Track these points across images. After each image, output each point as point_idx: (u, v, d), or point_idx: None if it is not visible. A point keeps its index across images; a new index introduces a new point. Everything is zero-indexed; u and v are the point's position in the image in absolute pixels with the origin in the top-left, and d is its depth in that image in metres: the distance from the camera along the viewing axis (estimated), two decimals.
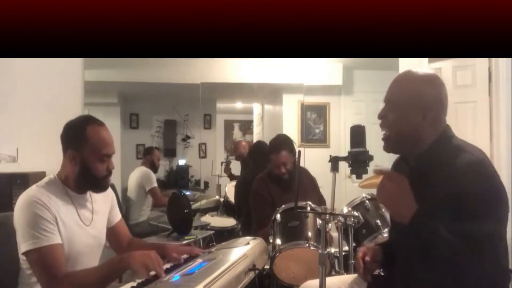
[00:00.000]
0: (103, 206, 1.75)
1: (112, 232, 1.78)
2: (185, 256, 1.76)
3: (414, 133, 1.40)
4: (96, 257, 1.70)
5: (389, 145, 1.45)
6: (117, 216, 1.84)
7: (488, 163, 1.31)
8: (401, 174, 1.38)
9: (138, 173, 4.56)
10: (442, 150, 1.37)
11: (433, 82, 1.43)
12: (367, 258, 1.54)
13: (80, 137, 1.57)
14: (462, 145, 1.37)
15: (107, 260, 1.64)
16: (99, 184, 1.63)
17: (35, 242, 1.43)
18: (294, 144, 3.04)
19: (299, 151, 1.71)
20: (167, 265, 1.61)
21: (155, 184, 4.51)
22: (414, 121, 1.39)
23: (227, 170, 5.42)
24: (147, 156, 4.83)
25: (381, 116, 1.45)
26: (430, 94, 1.40)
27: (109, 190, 1.75)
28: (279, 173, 2.91)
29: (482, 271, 1.22)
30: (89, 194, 1.69)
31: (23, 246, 1.45)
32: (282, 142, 2.98)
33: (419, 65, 3.16)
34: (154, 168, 4.74)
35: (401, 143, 1.43)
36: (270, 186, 2.96)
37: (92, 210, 1.68)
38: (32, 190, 1.53)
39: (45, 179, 1.60)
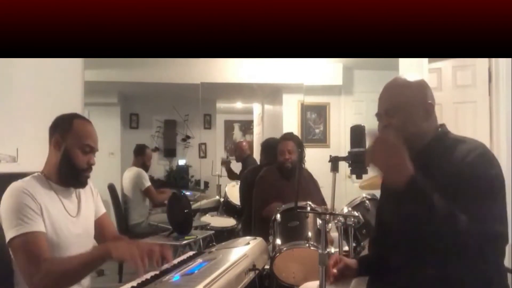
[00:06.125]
0: (88, 198, 1.76)
1: (95, 225, 1.78)
2: (184, 256, 1.76)
3: (419, 133, 1.43)
4: (86, 247, 1.68)
5: None
6: (101, 209, 1.83)
7: (487, 149, 1.36)
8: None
9: (130, 174, 4.50)
10: (442, 144, 1.42)
11: (426, 84, 1.49)
12: (334, 270, 1.58)
13: (66, 125, 1.62)
14: (460, 138, 1.43)
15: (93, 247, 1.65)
16: (78, 177, 1.64)
17: (18, 229, 1.44)
18: (303, 145, 3.29)
19: (301, 152, 1.73)
20: (166, 265, 1.61)
21: (149, 183, 4.46)
22: (419, 121, 1.43)
23: (227, 164, 5.41)
24: (138, 156, 4.67)
25: (384, 125, 1.44)
26: (429, 94, 1.47)
27: (89, 182, 1.75)
28: (283, 159, 3.05)
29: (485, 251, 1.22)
30: None
31: (7, 235, 1.46)
32: (291, 135, 3.25)
33: (419, 65, 3.16)
34: (146, 169, 4.64)
35: (408, 146, 1.43)
36: (278, 176, 3.08)
37: (77, 202, 1.69)
38: (18, 182, 1.55)
39: (30, 176, 1.63)
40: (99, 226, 1.79)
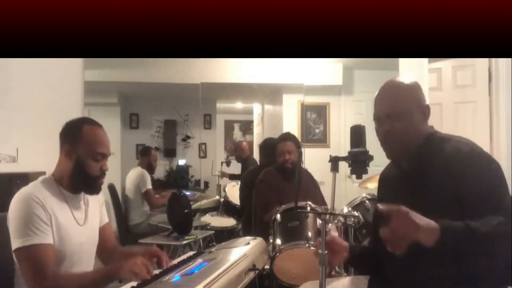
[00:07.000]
0: (95, 206, 1.75)
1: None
2: (184, 256, 1.76)
3: (417, 136, 1.44)
4: (91, 256, 1.69)
5: (396, 152, 1.45)
6: (104, 219, 1.82)
7: (477, 146, 1.37)
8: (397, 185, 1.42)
9: (134, 174, 4.52)
10: (431, 144, 1.43)
11: (420, 87, 1.50)
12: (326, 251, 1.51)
13: (76, 133, 1.59)
14: (447, 137, 1.44)
15: (97, 268, 1.64)
16: (92, 184, 1.62)
17: (26, 239, 1.43)
18: (300, 145, 3.28)
19: (301, 152, 1.73)
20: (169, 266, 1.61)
21: (149, 186, 4.47)
22: (419, 124, 1.44)
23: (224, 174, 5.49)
24: (144, 157, 4.73)
25: (387, 130, 1.43)
26: (423, 97, 1.49)
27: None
28: (283, 160, 3.03)
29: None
30: (83, 193, 1.68)
31: (14, 243, 1.45)
32: (289, 135, 3.24)
33: (419, 65, 3.16)
34: (151, 169, 4.69)
35: (405, 147, 1.44)
36: (277, 176, 3.07)
37: (85, 210, 1.68)
38: (29, 188, 1.54)
39: (40, 178, 1.60)
40: (100, 235, 1.77)
